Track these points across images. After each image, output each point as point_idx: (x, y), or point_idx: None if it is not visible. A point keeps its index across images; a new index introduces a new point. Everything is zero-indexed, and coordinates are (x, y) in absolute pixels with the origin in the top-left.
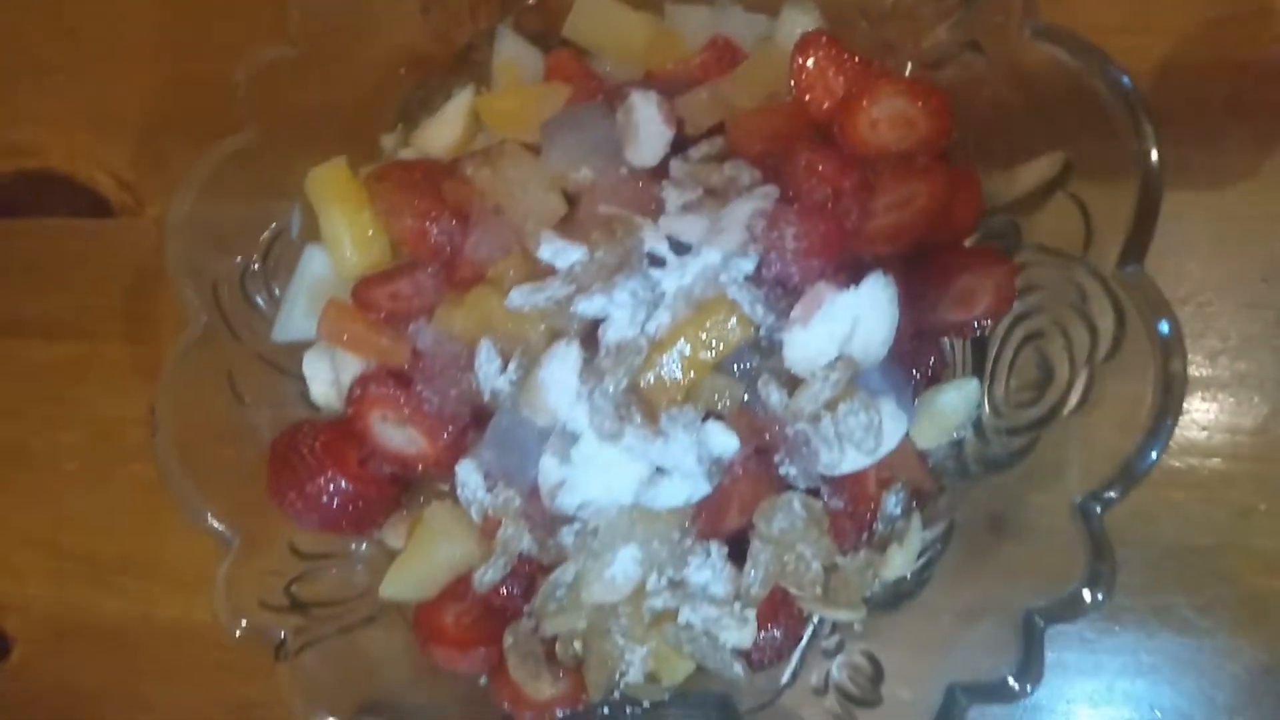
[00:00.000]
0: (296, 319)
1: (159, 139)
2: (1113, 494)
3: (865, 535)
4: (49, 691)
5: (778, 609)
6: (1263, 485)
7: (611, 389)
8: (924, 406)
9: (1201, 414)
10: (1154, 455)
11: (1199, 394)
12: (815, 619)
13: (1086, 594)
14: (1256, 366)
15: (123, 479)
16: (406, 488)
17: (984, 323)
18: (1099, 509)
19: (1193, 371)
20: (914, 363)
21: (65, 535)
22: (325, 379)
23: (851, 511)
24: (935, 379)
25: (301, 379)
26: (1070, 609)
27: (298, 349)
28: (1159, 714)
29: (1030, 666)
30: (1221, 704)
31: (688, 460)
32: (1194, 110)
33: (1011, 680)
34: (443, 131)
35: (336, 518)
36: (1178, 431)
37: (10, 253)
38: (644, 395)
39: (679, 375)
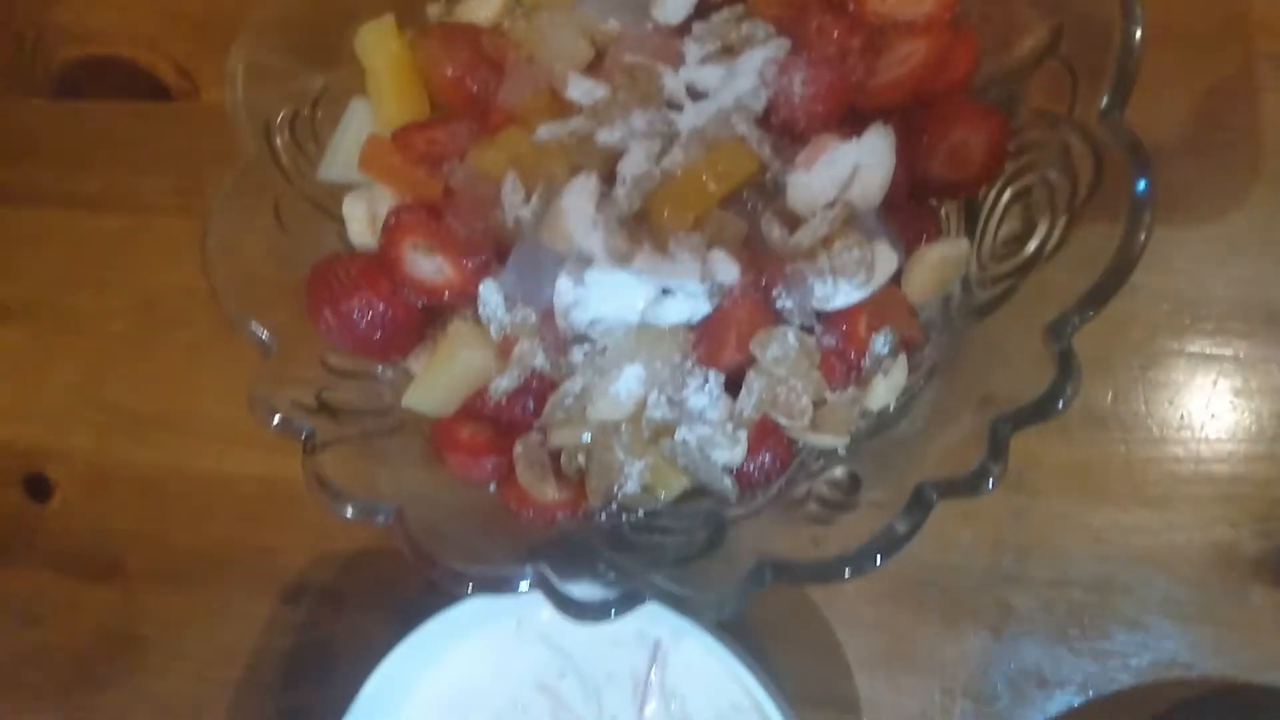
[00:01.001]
0: (340, 163)
1: (218, 32)
2: (1077, 320)
3: (853, 373)
4: (85, 533)
5: (768, 436)
6: None
7: (625, 207)
8: (916, 263)
9: None
10: (1117, 284)
11: None
12: (802, 446)
13: (1060, 404)
14: None
15: (165, 343)
16: (432, 321)
17: (978, 183)
18: (1068, 330)
19: None
20: (910, 222)
21: (108, 392)
22: (363, 220)
23: (842, 350)
24: (930, 240)
25: (341, 221)
26: (1037, 414)
27: (339, 192)
28: None
29: (996, 463)
30: None
31: (691, 282)
32: None
33: (977, 476)
34: (484, 3)
35: (366, 338)
36: None
37: (73, 132)
38: (655, 222)
39: (689, 204)
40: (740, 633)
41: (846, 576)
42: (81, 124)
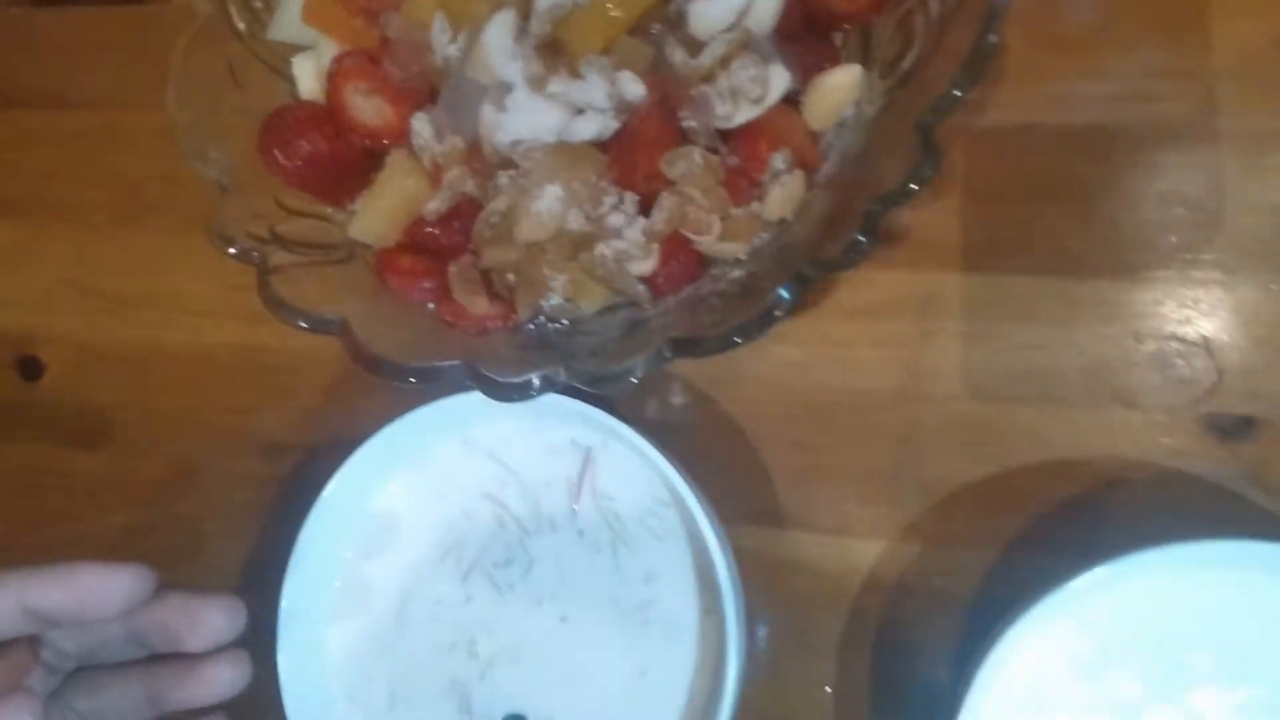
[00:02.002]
0: (288, 23)
1: None
2: (938, 116)
3: (755, 190)
4: (76, 406)
5: (678, 248)
6: None
7: (537, 33)
8: (814, 90)
9: None
10: (973, 83)
11: None
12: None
13: (913, 186)
14: None
15: (143, 228)
16: (376, 166)
17: (869, 14)
18: (933, 127)
19: None
20: (809, 52)
21: (93, 277)
22: (312, 77)
23: (744, 168)
24: (827, 69)
25: (292, 80)
26: (901, 198)
27: (290, 52)
28: None
29: (867, 239)
30: None
31: (600, 100)
32: None
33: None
34: None
35: (314, 178)
36: None
37: (55, 37)
38: (568, 50)
39: (597, 30)
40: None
41: (739, 343)
42: (62, 30)
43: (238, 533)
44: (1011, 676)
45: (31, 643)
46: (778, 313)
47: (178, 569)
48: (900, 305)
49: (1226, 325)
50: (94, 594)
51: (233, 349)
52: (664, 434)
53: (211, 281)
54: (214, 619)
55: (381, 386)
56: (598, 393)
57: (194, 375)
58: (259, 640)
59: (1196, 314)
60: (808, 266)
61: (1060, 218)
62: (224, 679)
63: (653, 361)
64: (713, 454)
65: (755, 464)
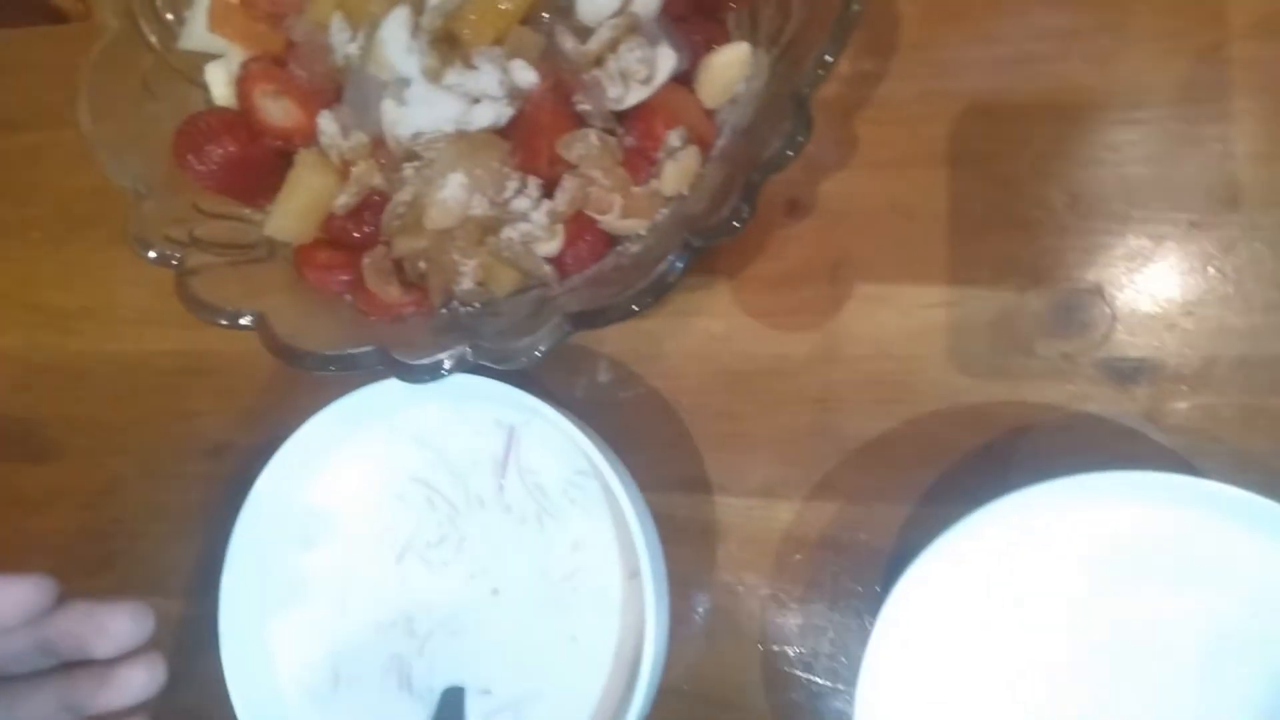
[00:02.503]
0: (198, 34)
1: None
2: (810, 83)
3: (653, 168)
4: (21, 421)
5: (584, 229)
6: None
7: (428, 28)
8: (704, 69)
9: None
10: (839, 50)
11: None
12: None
13: (789, 153)
14: None
15: (80, 242)
16: (288, 167)
17: None
18: (806, 94)
19: None
20: (698, 32)
21: (32, 293)
22: (224, 84)
23: (641, 147)
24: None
25: (205, 87)
26: (778, 165)
27: (202, 61)
28: None
29: (746, 206)
30: None
31: (495, 89)
32: None
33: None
34: None
35: (228, 180)
36: None
37: None
38: (462, 41)
39: (488, 22)
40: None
41: (635, 311)
42: None
43: (187, 534)
44: (922, 602)
45: None
46: (670, 279)
47: (129, 574)
48: (812, 273)
49: (1119, 274)
50: None
51: (173, 355)
52: (593, 411)
53: (148, 290)
54: (120, 624)
55: (319, 382)
56: (506, 369)
57: (136, 383)
58: (209, 635)
59: (1091, 264)
60: (694, 236)
61: (959, 180)
62: (138, 682)
63: (554, 335)
64: (641, 427)
65: (681, 434)
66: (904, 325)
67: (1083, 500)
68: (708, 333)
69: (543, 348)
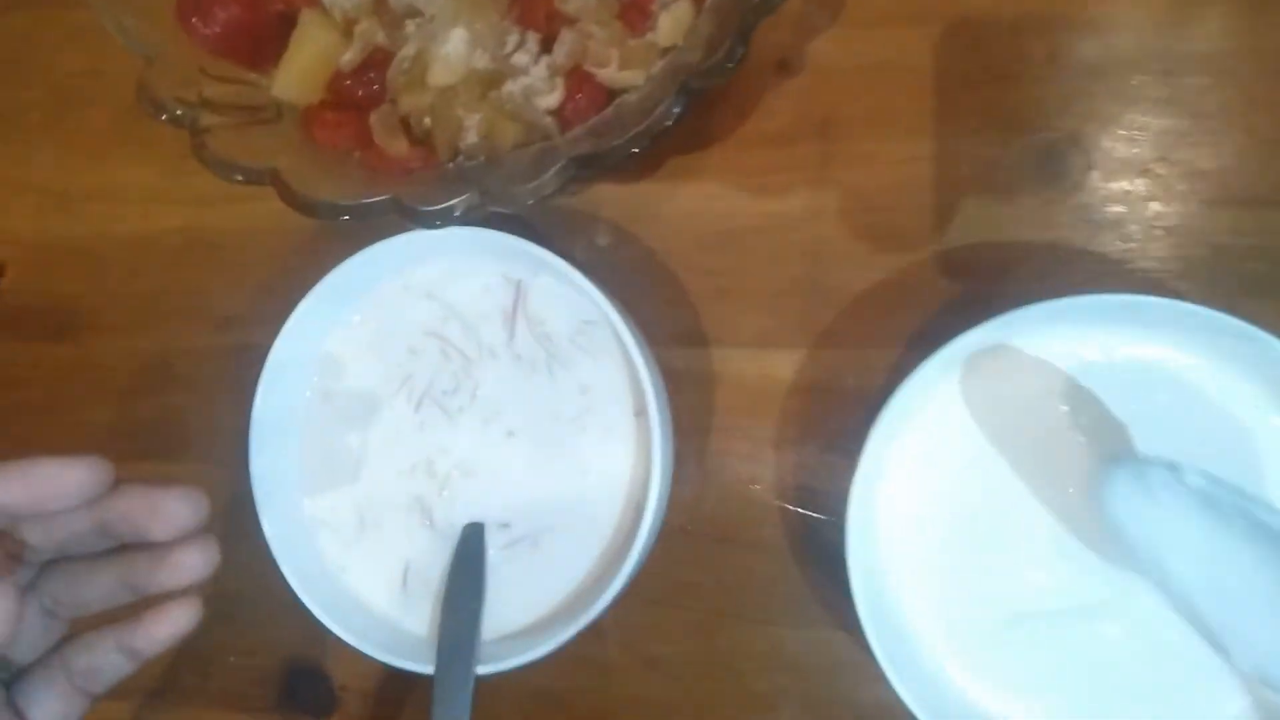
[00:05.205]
0: None
1: None
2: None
3: (648, 21)
4: (39, 301)
5: (582, 82)
6: None
7: None
8: None
9: None
10: None
11: None
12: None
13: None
14: None
15: (79, 124)
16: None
17: None
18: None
19: None
20: None
21: (37, 176)
22: None
23: (636, 1)
24: None
25: None
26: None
27: None
28: None
29: (740, 45)
30: None
31: None
32: None
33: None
34: None
35: (234, 42)
36: None
37: None
38: None
39: None
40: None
41: (635, 151)
42: None
43: (205, 402)
44: (909, 430)
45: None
46: (667, 123)
47: (154, 443)
48: (801, 132)
49: (1096, 124)
50: (50, 486)
51: (179, 232)
52: (593, 271)
53: (152, 169)
54: (176, 508)
55: (323, 254)
56: (513, 211)
57: (145, 262)
58: (238, 496)
59: (1069, 114)
60: (692, 78)
61: (941, 36)
62: (193, 564)
63: (561, 176)
64: (638, 284)
65: (678, 290)
66: (890, 179)
67: (1059, 327)
68: (701, 193)
69: (549, 190)
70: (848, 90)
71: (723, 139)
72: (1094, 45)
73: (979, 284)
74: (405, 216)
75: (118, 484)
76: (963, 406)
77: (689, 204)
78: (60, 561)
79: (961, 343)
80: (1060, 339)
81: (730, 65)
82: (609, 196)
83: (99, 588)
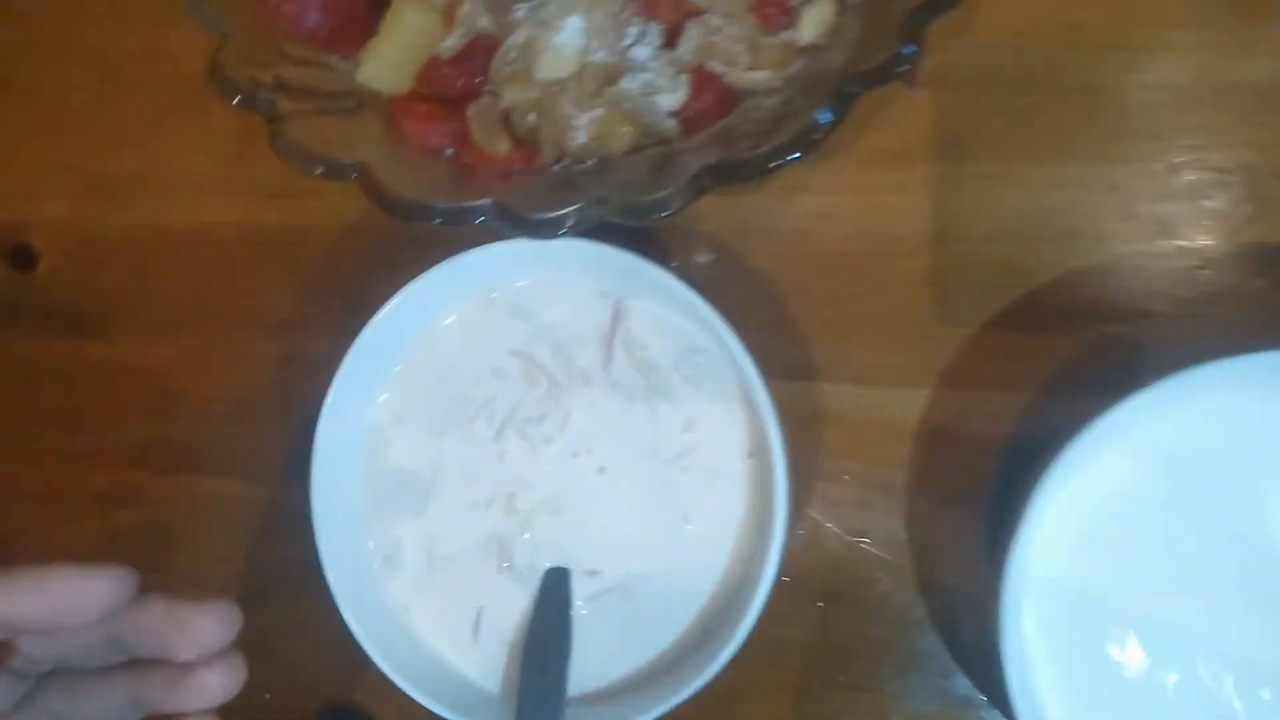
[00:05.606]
0: None
1: None
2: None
3: (786, 18)
4: (72, 296)
5: (708, 82)
6: None
7: None
8: None
9: None
10: None
11: None
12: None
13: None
14: None
15: (126, 109)
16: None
17: None
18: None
19: None
20: None
21: (79, 159)
22: None
23: None
24: None
25: None
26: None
27: None
28: None
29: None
30: None
31: None
32: None
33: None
34: None
35: (320, 19)
36: None
37: None
38: None
39: None
40: None
41: (778, 165)
42: None
43: (254, 414)
44: (1061, 511)
45: None
46: (818, 134)
47: (191, 456)
48: (926, 149)
49: (1261, 155)
50: (67, 602)
51: (228, 227)
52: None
53: (202, 159)
54: (206, 626)
55: (387, 258)
56: (636, 225)
57: (190, 258)
58: (297, 520)
59: (1230, 144)
60: (849, 82)
61: (1088, 50)
62: (216, 685)
63: (690, 190)
64: (740, 308)
65: (783, 317)
66: (1024, 205)
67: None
68: (814, 210)
69: (677, 204)
70: (982, 105)
71: (839, 151)
72: (1259, 67)
73: (1121, 326)
74: (510, 224)
75: (140, 595)
76: (1135, 464)
77: (799, 222)
78: (61, 674)
79: (1143, 397)
80: (1248, 396)
81: (900, 70)
82: (709, 209)
83: (104, 704)
